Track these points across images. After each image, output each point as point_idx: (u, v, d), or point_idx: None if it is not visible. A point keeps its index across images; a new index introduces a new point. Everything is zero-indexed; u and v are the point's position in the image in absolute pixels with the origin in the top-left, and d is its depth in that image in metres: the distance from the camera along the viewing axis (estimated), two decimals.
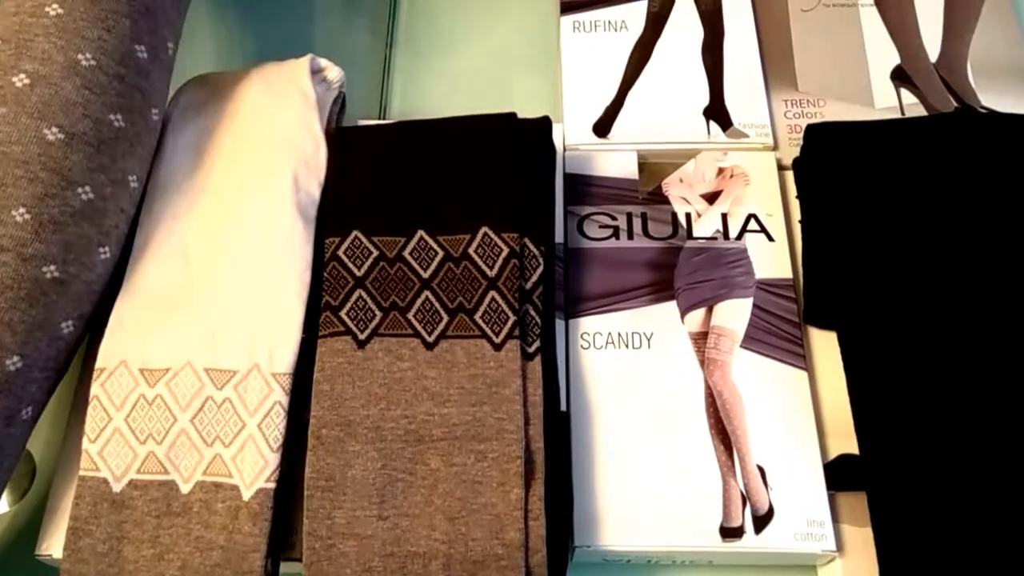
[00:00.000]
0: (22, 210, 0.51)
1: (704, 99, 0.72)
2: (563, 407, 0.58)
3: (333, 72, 0.67)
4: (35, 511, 0.60)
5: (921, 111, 0.71)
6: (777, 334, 0.61)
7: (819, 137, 0.66)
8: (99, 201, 0.54)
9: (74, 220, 0.53)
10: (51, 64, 0.53)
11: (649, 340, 0.61)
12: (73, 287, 0.53)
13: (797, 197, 0.66)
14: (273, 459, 0.52)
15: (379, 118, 0.77)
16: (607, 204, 0.67)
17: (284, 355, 0.55)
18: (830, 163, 0.65)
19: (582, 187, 0.68)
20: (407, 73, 0.80)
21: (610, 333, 0.62)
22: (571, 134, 0.71)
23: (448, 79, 0.79)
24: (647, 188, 0.67)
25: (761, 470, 0.56)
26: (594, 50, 0.75)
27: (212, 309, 0.57)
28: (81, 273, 0.54)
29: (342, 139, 0.64)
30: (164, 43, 0.59)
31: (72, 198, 0.53)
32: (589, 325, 0.62)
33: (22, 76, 0.52)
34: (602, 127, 0.71)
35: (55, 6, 0.54)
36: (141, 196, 0.60)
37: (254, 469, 0.52)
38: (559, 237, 0.64)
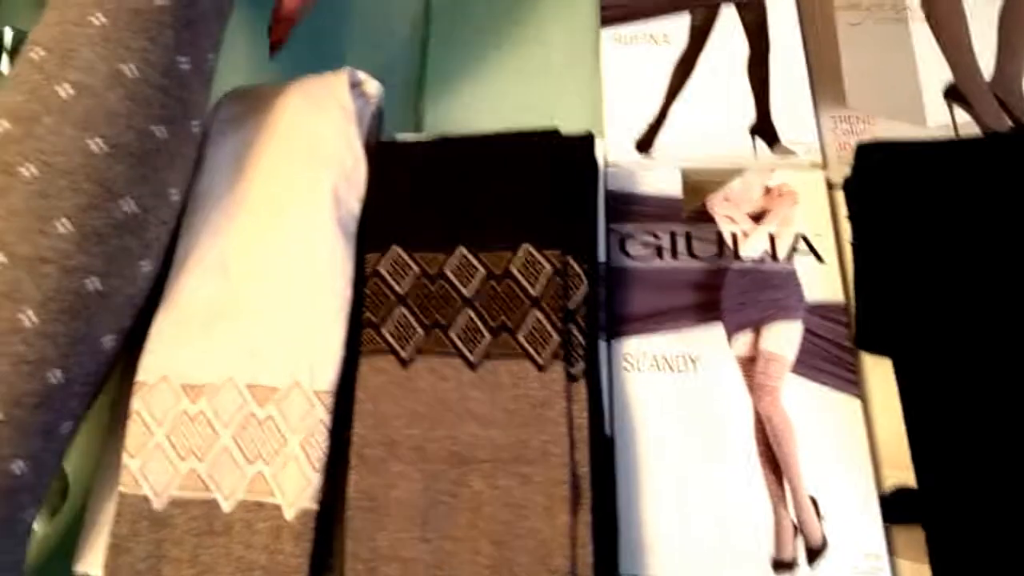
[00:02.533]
0: (65, 221, 0.52)
1: (750, 115, 0.73)
2: (608, 431, 0.59)
3: (371, 86, 0.68)
4: (68, 528, 0.61)
5: (975, 130, 0.71)
6: (829, 359, 0.61)
7: (871, 156, 0.67)
8: (141, 213, 0.56)
9: (117, 232, 0.54)
10: (95, 74, 0.54)
11: (695, 363, 0.62)
12: (115, 300, 0.55)
13: (848, 217, 0.67)
14: (316, 478, 0.54)
15: (413, 132, 0.78)
16: (650, 222, 0.68)
17: (326, 373, 0.56)
18: (882, 182, 0.65)
19: (624, 205, 0.69)
20: (442, 87, 0.81)
21: (654, 355, 0.62)
22: (613, 150, 0.72)
23: (483, 93, 0.80)
24: (691, 207, 0.68)
25: (813, 501, 0.57)
26: (636, 64, 0.76)
27: (253, 325, 0.58)
28: (123, 286, 0.55)
29: (382, 154, 0.66)
30: (205, 55, 0.60)
31: (115, 210, 0.54)
32: (632, 346, 0.63)
33: (66, 86, 0.54)
34: (645, 143, 0.72)
35: (99, 16, 0.55)
36: (181, 209, 0.62)
37: (296, 488, 0.53)
38: (601, 256, 0.65)
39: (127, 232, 0.55)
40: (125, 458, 0.55)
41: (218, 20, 0.62)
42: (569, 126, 0.65)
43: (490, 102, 0.79)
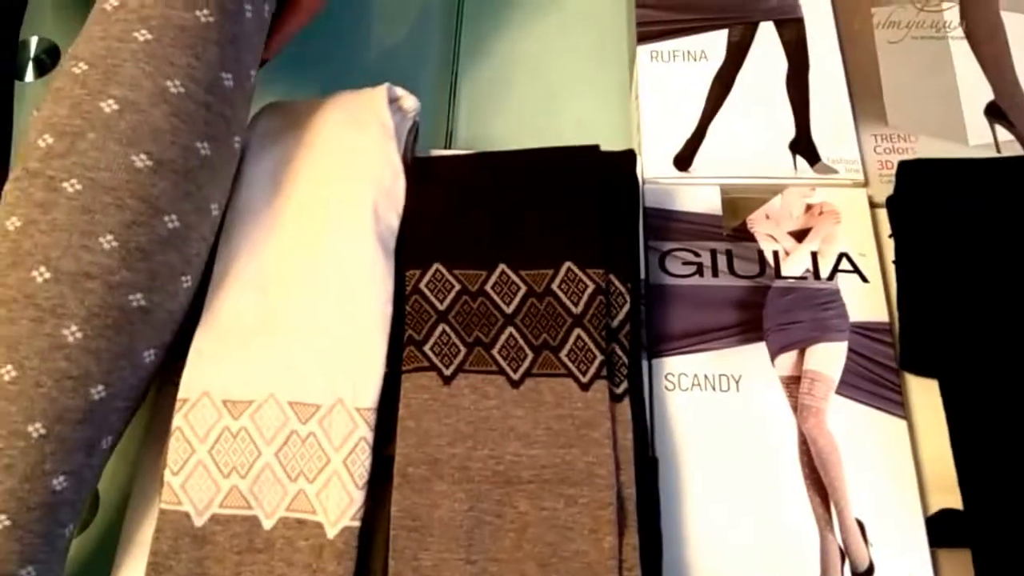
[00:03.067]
0: (110, 237, 0.52)
1: (789, 132, 0.73)
2: (652, 452, 0.58)
3: (409, 101, 0.68)
4: (98, 542, 0.61)
5: (1018, 149, 0.71)
6: (874, 380, 0.61)
7: (913, 174, 0.67)
8: (184, 229, 0.56)
9: (160, 248, 0.54)
10: (139, 90, 0.55)
11: (737, 383, 0.62)
12: (157, 316, 0.55)
13: (891, 236, 0.66)
14: (359, 496, 0.53)
15: (444, 147, 0.78)
16: (690, 240, 0.68)
17: (368, 390, 0.56)
18: (925, 201, 0.65)
19: (663, 222, 0.69)
20: (473, 101, 0.81)
21: (696, 374, 0.62)
22: (650, 167, 0.72)
23: (514, 108, 0.80)
24: (732, 224, 0.68)
25: (860, 524, 0.57)
26: (673, 80, 0.76)
27: (294, 341, 0.58)
28: (165, 302, 0.55)
29: (421, 169, 0.66)
30: (247, 71, 0.60)
31: (159, 226, 0.54)
32: (673, 365, 0.63)
33: (110, 102, 0.54)
34: (683, 160, 0.72)
35: (144, 31, 0.56)
36: (235, 217, 0.62)
37: (339, 506, 0.53)
38: (641, 272, 0.64)
39: (170, 248, 0.55)
40: (167, 475, 0.55)
41: (259, 36, 0.62)
42: (600, 142, 0.65)
43: (521, 117, 0.79)
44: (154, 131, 0.54)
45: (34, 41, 0.83)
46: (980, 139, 0.72)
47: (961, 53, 0.77)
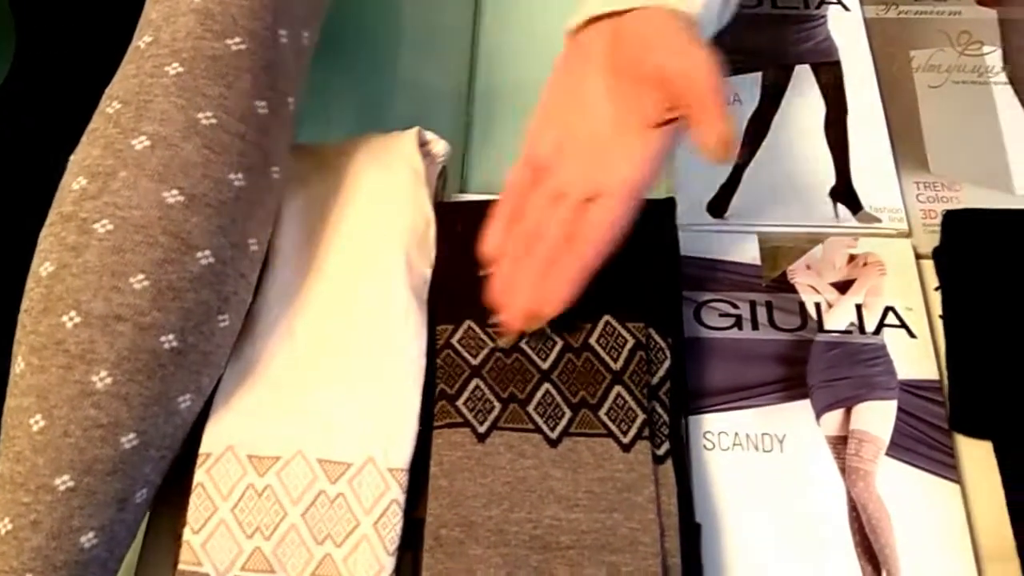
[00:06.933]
0: (140, 276, 0.51)
1: (829, 179, 0.72)
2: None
3: (438, 145, 0.67)
4: None
5: None
6: (924, 441, 0.60)
7: (960, 225, 0.66)
8: (219, 265, 0.55)
9: (193, 286, 0.53)
10: (170, 124, 0.54)
11: (781, 443, 0.60)
12: (191, 358, 0.54)
13: (937, 289, 0.65)
14: (389, 563, 0.52)
15: (459, 191, 0.77)
16: (727, 291, 0.67)
17: (401, 449, 0.55)
18: (973, 253, 0.65)
19: (698, 270, 0.68)
20: (487, 145, 0.80)
21: (736, 433, 0.61)
22: (684, 213, 0.71)
23: None
24: (771, 275, 0.67)
25: None
26: None
27: (324, 395, 0.57)
28: (200, 343, 0.54)
29: (447, 215, 0.65)
30: (284, 98, 0.60)
31: (191, 263, 0.53)
32: (712, 423, 0.61)
33: (142, 139, 0.53)
34: (717, 206, 0.71)
35: (175, 65, 0.55)
36: (263, 263, 0.61)
37: (368, 573, 0.52)
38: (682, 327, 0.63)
39: (204, 286, 0.54)
40: (187, 533, 0.54)
41: (297, 61, 0.61)
42: None
43: None
44: (185, 165, 0.53)
45: None
46: None
47: (1005, 98, 0.76)
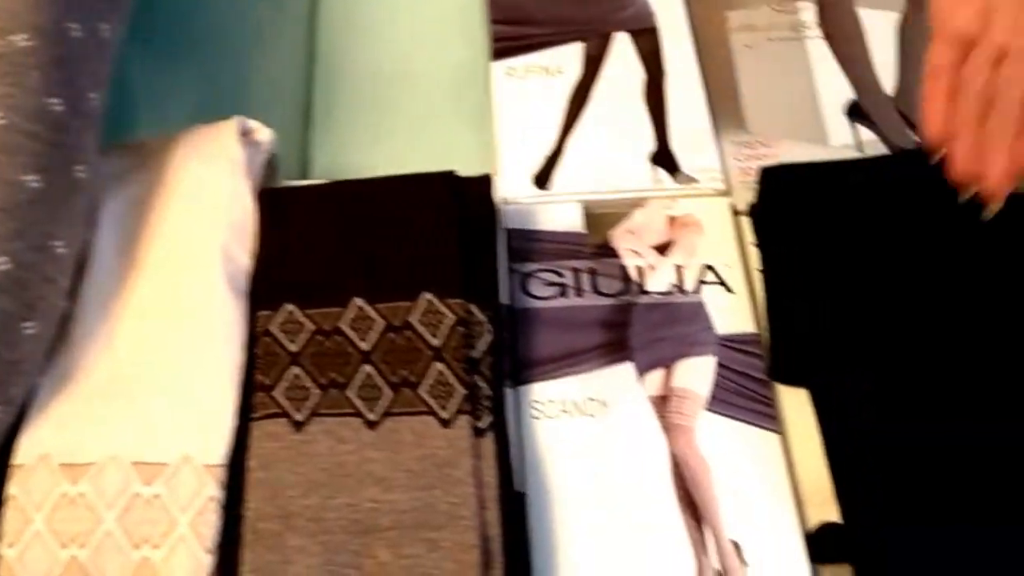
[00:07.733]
0: None
1: (648, 144, 0.73)
2: (519, 486, 0.58)
3: (263, 134, 0.66)
4: None
5: (880, 148, 0.72)
6: (744, 394, 0.61)
7: (775, 180, 0.67)
8: (18, 271, 0.53)
9: None
10: None
11: (606, 406, 0.61)
12: None
13: (755, 245, 0.67)
14: (207, 561, 0.52)
15: (301, 178, 0.76)
16: (552, 260, 0.67)
17: (217, 444, 0.54)
18: (788, 207, 0.66)
19: (524, 243, 0.68)
20: (328, 130, 0.80)
21: (563, 400, 0.62)
22: (509, 187, 0.71)
23: (371, 134, 0.79)
24: (594, 241, 0.68)
25: (736, 545, 0.56)
26: (529, 97, 0.76)
27: (140, 398, 0.56)
28: (3, 352, 0.52)
29: (270, 202, 0.64)
30: (83, 94, 0.57)
31: None
32: (540, 392, 0.62)
33: None
34: (542, 178, 0.72)
35: None
36: (79, 264, 0.59)
37: (187, 573, 0.51)
38: (503, 297, 0.64)
39: (2, 292, 0.52)
40: (3, 548, 0.53)
41: (99, 54, 0.59)
42: (461, 163, 0.64)
43: (379, 144, 0.78)
44: None
45: None
46: (842, 140, 0.73)
47: (819, 54, 0.78)
